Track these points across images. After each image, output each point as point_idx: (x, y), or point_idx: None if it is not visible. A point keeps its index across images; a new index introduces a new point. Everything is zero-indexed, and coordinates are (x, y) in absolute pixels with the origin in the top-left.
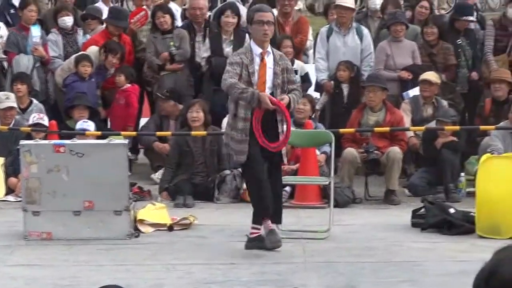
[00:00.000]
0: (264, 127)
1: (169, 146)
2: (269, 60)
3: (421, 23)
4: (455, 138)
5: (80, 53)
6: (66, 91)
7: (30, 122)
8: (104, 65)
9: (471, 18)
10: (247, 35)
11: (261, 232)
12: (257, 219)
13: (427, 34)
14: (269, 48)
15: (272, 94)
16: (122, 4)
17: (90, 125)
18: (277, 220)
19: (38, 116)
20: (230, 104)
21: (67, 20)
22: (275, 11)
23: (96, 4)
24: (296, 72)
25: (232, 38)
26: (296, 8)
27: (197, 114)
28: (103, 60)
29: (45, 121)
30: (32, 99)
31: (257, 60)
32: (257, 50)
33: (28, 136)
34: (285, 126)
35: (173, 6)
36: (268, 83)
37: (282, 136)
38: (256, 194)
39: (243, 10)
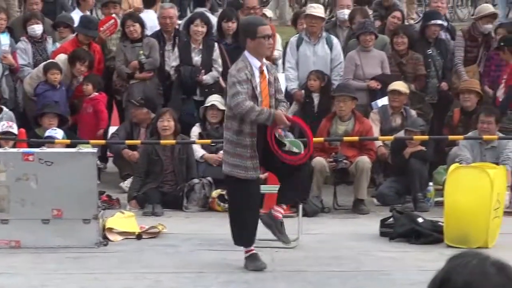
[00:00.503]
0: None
1: (138, 154)
2: (266, 72)
3: (390, 33)
4: (423, 148)
5: (48, 61)
6: (37, 100)
7: None
8: (72, 73)
9: (439, 21)
10: (216, 44)
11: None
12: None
13: (397, 44)
14: (264, 60)
15: (269, 105)
16: (91, 12)
17: (58, 133)
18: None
19: (8, 124)
20: (233, 121)
21: (37, 28)
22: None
23: (73, 12)
24: None
25: (201, 47)
26: (269, 16)
27: (168, 123)
28: (72, 68)
29: (14, 129)
30: (2, 106)
31: (257, 73)
32: (256, 63)
33: None
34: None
35: (151, 14)
36: (269, 94)
37: (305, 150)
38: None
39: (213, 19)
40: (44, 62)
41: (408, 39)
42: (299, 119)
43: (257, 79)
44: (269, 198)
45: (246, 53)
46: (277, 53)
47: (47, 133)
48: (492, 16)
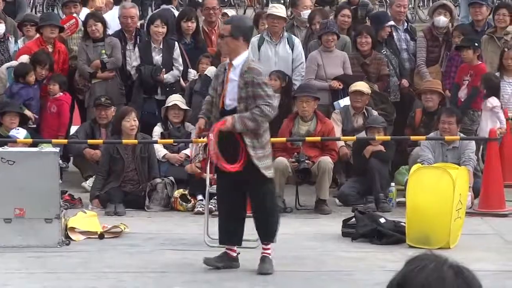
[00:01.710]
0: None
1: (100, 153)
2: (234, 73)
3: (343, 32)
4: (382, 148)
5: (18, 62)
6: (15, 99)
7: None
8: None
9: (391, 23)
10: (176, 43)
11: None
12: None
13: (360, 44)
14: (237, 61)
15: (235, 108)
16: (53, 11)
17: (20, 133)
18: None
19: None
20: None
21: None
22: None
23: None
24: None
25: (161, 46)
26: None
27: (134, 122)
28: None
29: None
30: None
31: (225, 71)
32: (227, 61)
33: None
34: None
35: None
36: (229, 95)
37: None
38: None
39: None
40: (9, 64)
41: (371, 39)
42: (209, 136)
43: (224, 78)
44: None
45: None
46: None
47: (10, 134)
48: (444, 8)
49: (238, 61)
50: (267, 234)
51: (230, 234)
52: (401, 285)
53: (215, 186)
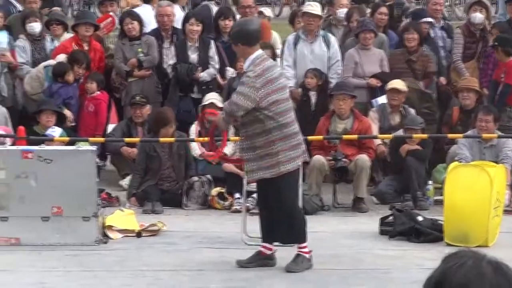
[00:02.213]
0: None
1: (137, 150)
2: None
3: (380, 30)
4: (419, 147)
5: (56, 62)
6: (55, 98)
7: None
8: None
9: (429, 19)
10: (212, 41)
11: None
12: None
13: (407, 40)
14: (245, 65)
15: None
16: (89, 9)
17: (56, 132)
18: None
19: None
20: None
21: (35, 26)
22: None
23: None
24: None
25: (197, 44)
26: (267, 15)
27: (171, 129)
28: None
29: None
30: None
31: None
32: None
33: None
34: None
35: (148, 10)
36: None
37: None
38: None
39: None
40: (47, 63)
41: (418, 36)
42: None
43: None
44: None
45: None
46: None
47: (46, 133)
48: (480, 4)
49: (246, 64)
50: (290, 235)
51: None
52: (440, 282)
53: (252, 184)
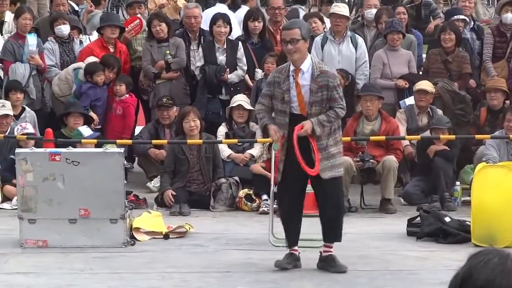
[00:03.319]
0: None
1: (165, 152)
2: (304, 78)
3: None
4: (446, 148)
5: (88, 62)
6: (82, 99)
7: (15, 133)
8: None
9: (462, 16)
10: (239, 43)
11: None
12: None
13: (444, 41)
14: (305, 65)
15: (307, 112)
16: (117, 12)
17: (88, 130)
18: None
19: (21, 127)
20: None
21: (64, 29)
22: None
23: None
24: None
25: (225, 46)
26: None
27: (194, 123)
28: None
29: (29, 129)
30: (25, 106)
31: (292, 77)
32: (292, 67)
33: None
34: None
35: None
36: (306, 100)
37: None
38: (283, 222)
39: (236, 17)
40: (76, 65)
41: (455, 36)
42: (295, 140)
43: (291, 84)
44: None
45: None
46: None
47: (79, 128)
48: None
49: (306, 65)
50: (336, 234)
51: (296, 235)
52: (466, 279)
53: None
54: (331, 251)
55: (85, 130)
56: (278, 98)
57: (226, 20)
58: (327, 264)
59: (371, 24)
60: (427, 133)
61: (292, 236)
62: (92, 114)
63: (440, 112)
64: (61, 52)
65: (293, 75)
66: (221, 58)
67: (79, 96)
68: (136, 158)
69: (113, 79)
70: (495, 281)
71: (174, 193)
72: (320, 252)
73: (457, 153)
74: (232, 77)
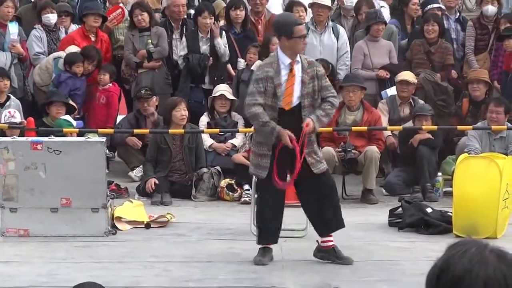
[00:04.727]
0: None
1: (142, 142)
2: (297, 69)
3: (410, 19)
4: (430, 136)
5: (68, 52)
6: (60, 89)
7: (2, 120)
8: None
9: (437, 5)
10: (223, 32)
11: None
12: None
13: (427, 32)
14: (298, 57)
15: (300, 104)
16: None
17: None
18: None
19: (9, 114)
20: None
21: (51, 17)
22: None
23: None
24: None
25: (208, 36)
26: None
27: (184, 112)
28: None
29: (17, 118)
30: (10, 95)
31: (284, 71)
32: (285, 60)
33: (3, 133)
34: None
35: None
36: (296, 93)
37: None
38: (260, 215)
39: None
40: (56, 54)
41: (439, 27)
42: (297, 148)
43: (283, 77)
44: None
45: (278, 49)
46: None
47: (62, 117)
48: None
49: (298, 57)
50: (342, 218)
51: (274, 235)
52: (444, 270)
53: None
54: (333, 242)
55: (69, 119)
56: (269, 93)
57: (211, 12)
58: (334, 256)
59: (348, 13)
60: (409, 124)
61: (273, 233)
62: (71, 103)
63: (422, 102)
64: (48, 40)
65: (289, 68)
66: (205, 47)
67: (57, 85)
68: (117, 150)
69: (92, 71)
70: (473, 271)
71: (157, 181)
72: (320, 244)
73: (440, 141)
74: (220, 43)
